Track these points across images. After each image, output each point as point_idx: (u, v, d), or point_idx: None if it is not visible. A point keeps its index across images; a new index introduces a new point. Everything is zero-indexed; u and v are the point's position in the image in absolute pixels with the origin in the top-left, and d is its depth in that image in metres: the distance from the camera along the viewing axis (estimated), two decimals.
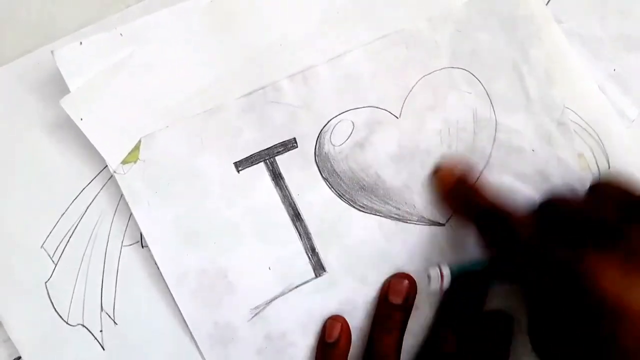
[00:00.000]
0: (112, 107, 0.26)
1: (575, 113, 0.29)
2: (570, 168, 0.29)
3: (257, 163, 0.28)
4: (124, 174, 0.26)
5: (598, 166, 0.29)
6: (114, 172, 0.26)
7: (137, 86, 0.27)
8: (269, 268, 0.28)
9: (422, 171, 0.29)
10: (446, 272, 0.26)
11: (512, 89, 0.29)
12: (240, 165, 0.28)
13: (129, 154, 0.26)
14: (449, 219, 0.29)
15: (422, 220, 0.29)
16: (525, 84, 0.29)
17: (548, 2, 0.29)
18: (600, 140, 0.29)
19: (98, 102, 0.26)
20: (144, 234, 0.27)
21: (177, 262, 0.28)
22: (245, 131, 0.27)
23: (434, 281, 0.26)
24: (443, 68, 0.28)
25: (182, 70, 0.27)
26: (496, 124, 0.29)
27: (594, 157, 0.29)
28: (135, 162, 0.26)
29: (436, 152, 0.28)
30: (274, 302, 0.28)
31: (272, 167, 0.28)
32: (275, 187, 0.28)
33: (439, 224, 0.29)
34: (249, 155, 0.28)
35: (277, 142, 0.28)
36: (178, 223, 0.27)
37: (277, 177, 0.28)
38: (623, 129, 0.29)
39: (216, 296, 0.28)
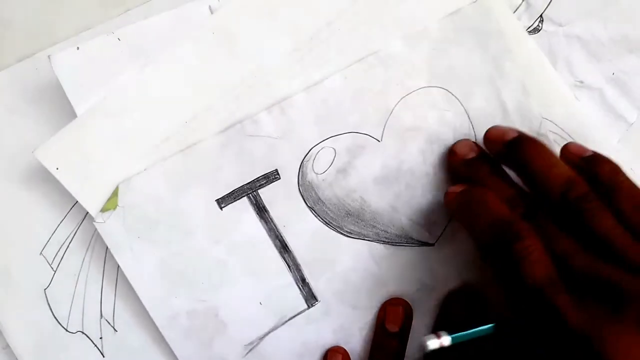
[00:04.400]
0: (87, 153, 0.26)
1: (554, 123, 0.29)
2: None
3: (240, 198, 0.27)
4: (104, 222, 0.26)
5: None
6: (94, 221, 0.26)
7: (111, 131, 0.26)
8: (260, 303, 0.28)
9: (407, 192, 0.28)
10: (446, 340, 0.23)
11: (489, 104, 0.29)
12: (222, 202, 0.27)
13: (108, 201, 0.26)
14: (438, 238, 0.29)
15: (411, 242, 0.28)
16: (502, 98, 0.29)
17: (549, 4, 0.29)
18: None
19: (72, 150, 0.26)
20: (129, 280, 0.26)
21: (166, 305, 0.27)
22: (226, 167, 0.27)
23: (432, 346, 0.23)
24: (421, 88, 0.28)
25: (156, 110, 0.26)
26: (475, 140, 0.29)
27: None
28: (114, 209, 0.26)
29: (420, 172, 0.28)
30: (267, 337, 0.28)
31: (256, 200, 0.27)
32: (260, 221, 0.28)
33: (429, 244, 0.28)
34: (231, 191, 0.27)
35: (259, 175, 0.27)
36: (164, 266, 0.27)
37: (261, 210, 0.28)
38: (603, 136, 0.29)
39: (208, 335, 0.27)
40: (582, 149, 0.25)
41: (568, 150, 0.25)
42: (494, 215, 0.22)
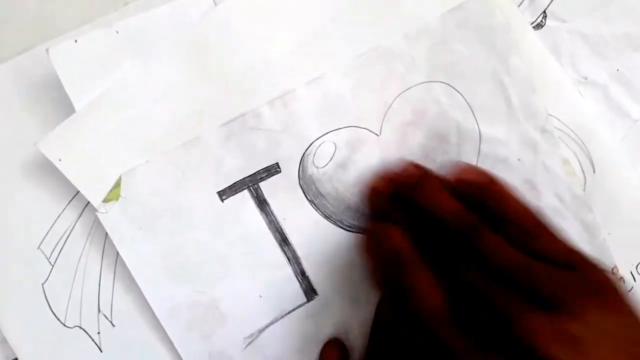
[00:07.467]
0: (89, 145, 0.26)
1: (559, 119, 0.29)
2: (556, 175, 0.29)
3: (241, 191, 0.28)
4: (107, 212, 0.26)
5: (583, 171, 0.29)
6: (97, 212, 0.26)
7: (114, 122, 0.26)
8: (260, 296, 0.28)
9: None
10: None
11: (493, 99, 0.29)
12: (224, 194, 0.27)
13: (110, 192, 0.26)
14: None
15: None
16: (507, 93, 0.29)
17: (551, 2, 0.29)
18: (585, 145, 0.29)
19: (75, 141, 0.26)
20: (131, 271, 0.27)
21: (167, 296, 0.27)
22: (227, 160, 0.27)
23: None
24: (421, 83, 0.28)
25: (158, 103, 0.27)
26: (480, 135, 0.29)
27: (579, 162, 0.29)
28: (117, 199, 0.26)
29: None
30: (267, 330, 0.28)
31: (257, 193, 0.28)
32: (261, 214, 0.28)
33: None
34: (232, 183, 0.27)
35: (260, 168, 0.28)
36: (165, 257, 0.27)
37: (262, 203, 0.28)
38: (606, 133, 0.29)
39: (209, 327, 0.28)
40: (469, 172, 0.24)
41: (456, 177, 0.24)
42: (389, 250, 0.22)
